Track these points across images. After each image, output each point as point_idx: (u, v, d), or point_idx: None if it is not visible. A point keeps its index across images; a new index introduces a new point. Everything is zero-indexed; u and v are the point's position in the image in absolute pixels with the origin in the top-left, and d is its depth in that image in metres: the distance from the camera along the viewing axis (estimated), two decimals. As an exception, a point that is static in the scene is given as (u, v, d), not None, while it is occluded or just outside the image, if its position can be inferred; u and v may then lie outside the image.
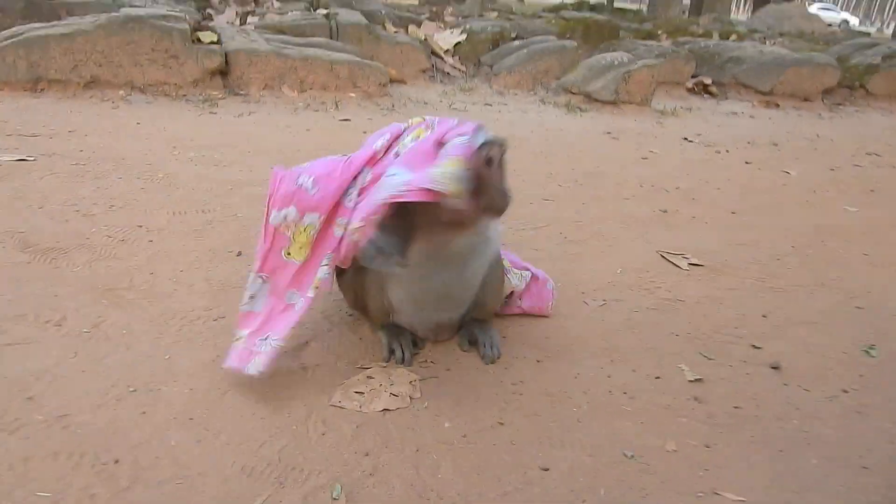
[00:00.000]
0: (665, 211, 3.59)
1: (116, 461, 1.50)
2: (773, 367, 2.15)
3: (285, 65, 5.50)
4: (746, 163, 4.86)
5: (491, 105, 6.15)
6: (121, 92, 4.96)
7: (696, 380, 2.02)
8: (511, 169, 4.14)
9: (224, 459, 1.54)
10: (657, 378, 2.02)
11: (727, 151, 5.18)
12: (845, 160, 5.27)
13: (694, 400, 1.93)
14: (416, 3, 10.93)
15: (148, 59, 5.02)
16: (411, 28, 7.71)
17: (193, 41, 5.24)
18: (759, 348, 2.26)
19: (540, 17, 8.92)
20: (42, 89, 4.81)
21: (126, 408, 1.68)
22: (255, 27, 6.42)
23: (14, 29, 4.90)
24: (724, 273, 2.86)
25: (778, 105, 7.51)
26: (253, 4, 8.54)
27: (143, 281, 2.33)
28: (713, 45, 8.40)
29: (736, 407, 1.92)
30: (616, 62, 6.23)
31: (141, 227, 2.77)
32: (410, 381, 1.87)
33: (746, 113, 7.02)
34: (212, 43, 5.35)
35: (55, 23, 5.03)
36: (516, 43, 7.23)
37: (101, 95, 4.88)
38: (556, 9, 13.60)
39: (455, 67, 7.25)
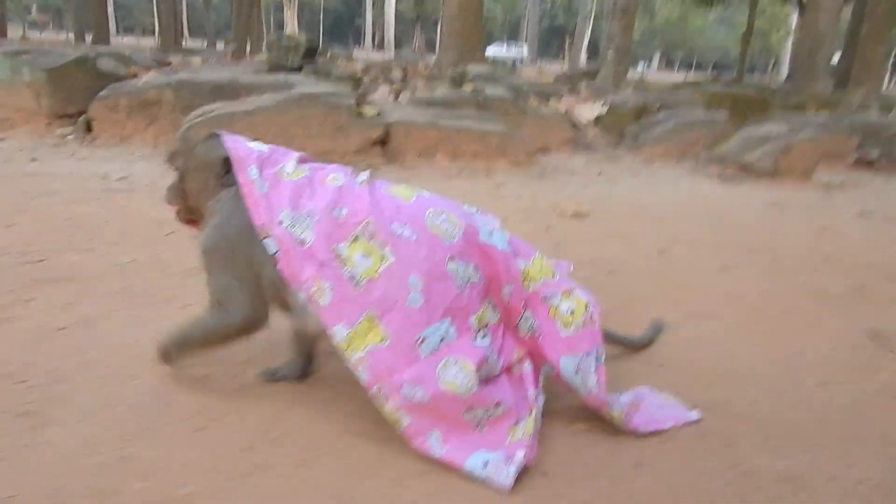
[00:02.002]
0: (863, 287, 3.29)
1: None
2: None
3: (440, 135, 5.75)
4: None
5: (639, 174, 6.06)
6: (292, 160, 5.36)
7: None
8: (674, 237, 4.01)
9: None
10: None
11: (916, 228, 4.73)
12: None
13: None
14: (551, 80, 11.18)
15: (318, 130, 5.42)
16: (552, 101, 7.87)
17: (357, 114, 5.61)
18: None
19: (681, 89, 8.82)
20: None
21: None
22: (409, 102, 6.81)
23: (204, 108, 5.47)
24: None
25: (962, 180, 6.84)
26: (401, 83, 9.12)
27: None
28: (876, 119, 7.90)
29: None
30: (774, 134, 5.98)
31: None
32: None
33: (924, 188, 6.44)
34: (373, 116, 5.70)
35: (240, 101, 5.57)
36: (662, 115, 7.17)
37: (276, 163, 5.28)
38: (686, 85, 13.45)
39: (597, 138, 7.27)
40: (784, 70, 43.06)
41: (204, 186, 1.84)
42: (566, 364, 1.78)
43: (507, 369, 1.81)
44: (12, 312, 2.39)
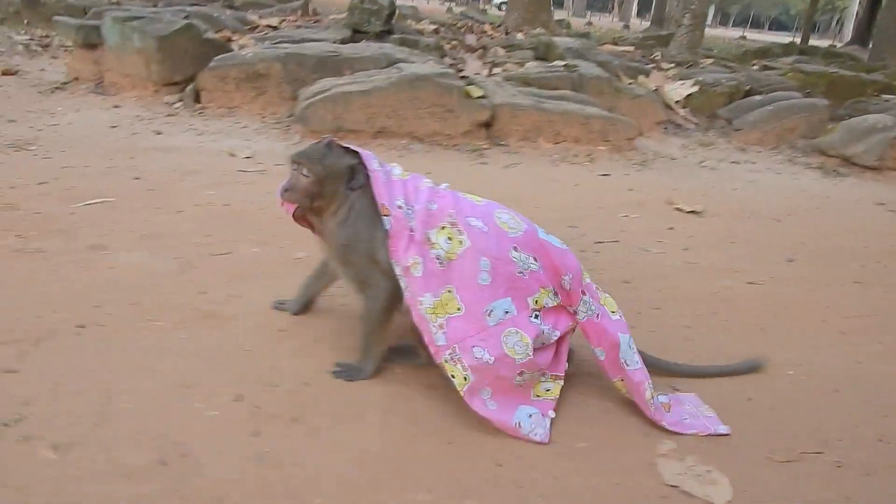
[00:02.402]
0: None
1: None
2: None
3: (543, 118, 5.83)
4: None
5: (738, 163, 6.09)
6: (403, 141, 5.52)
7: None
8: (796, 241, 4.08)
9: None
10: None
11: None
12: None
13: None
14: (631, 49, 11.01)
15: (428, 112, 5.55)
16: (641, 78, 7.81)
17: (465, 96, 5.70)
18: None
19: (770, 68, 8.65)
20: (341, 137, 5.47)
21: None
22: (503, 79, 6.84)
23: (321, 84, 5.62)
24: None
25: None
26: (482, 51, 9.09)
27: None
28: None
29: None
30: (880, 125, 5.93)
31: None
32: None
33: None
34: (480, 97, 5.79)
35: (353, 78, 5.71)
36: (758, 98, 7.09)
37: (388, 144, 5.46)
38: (761, 53, 13.10)
39: (687, 119, 7.25)
40: (848, 29, 41.16)
41: (334, 190, 2.18)
42: (624, 339, 2.13)
43: (562, 337, 2.16)
44: (231, 310, 2.63)
